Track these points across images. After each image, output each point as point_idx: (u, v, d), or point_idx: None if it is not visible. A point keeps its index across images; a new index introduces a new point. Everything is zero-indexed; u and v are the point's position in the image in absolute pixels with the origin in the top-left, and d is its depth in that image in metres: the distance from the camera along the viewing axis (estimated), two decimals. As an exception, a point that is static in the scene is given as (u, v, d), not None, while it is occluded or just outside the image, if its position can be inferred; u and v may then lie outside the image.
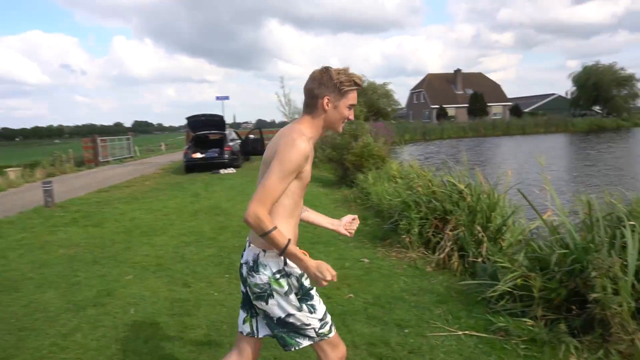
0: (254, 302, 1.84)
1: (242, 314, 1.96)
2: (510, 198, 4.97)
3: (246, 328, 1.94)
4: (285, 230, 1.73)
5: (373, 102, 40.10)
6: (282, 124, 19.58)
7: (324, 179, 11.28)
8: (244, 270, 1.85)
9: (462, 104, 53.47)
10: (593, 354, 2.92)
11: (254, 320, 1.93)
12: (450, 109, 53.01)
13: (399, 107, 51.11)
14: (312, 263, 1.72)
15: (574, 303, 3.27)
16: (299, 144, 1.69)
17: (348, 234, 2.16)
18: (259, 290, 1.79)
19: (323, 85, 1.78)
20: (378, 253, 5.02)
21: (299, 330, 1.83)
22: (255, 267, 1.80)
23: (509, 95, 59.40)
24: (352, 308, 3.61)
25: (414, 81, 70.13)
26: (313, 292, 1.89)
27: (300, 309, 1.82)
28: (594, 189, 10.72)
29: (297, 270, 1.82)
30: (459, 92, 56.42)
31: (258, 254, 1.80)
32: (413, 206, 4.99)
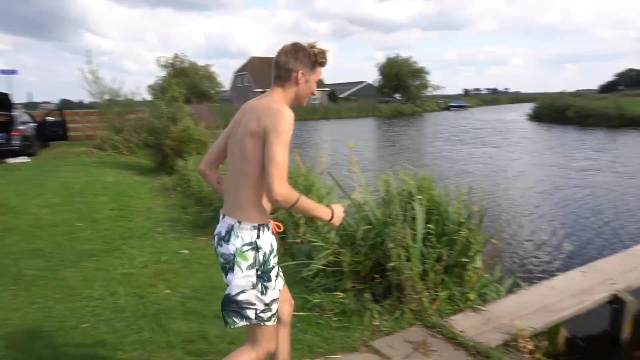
0: (222, 272, 1.86)
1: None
2: (325, 180, 5.29)
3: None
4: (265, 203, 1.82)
5: (195, 83, 38.56)
6: (92, 106, 17.09)
7: (140, 166, 10.38)
8: (215, 240, 1.89)
9: (285, 88, 55.31)
10: (392, 315, 3.31)
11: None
12: (274, 93, 54.32)
13: (223, 89, 50.23)
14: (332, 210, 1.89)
15: (377, 273, 3.64)
16: (285, 112, 1.73)
17: None
18: (223, 261, 1.83)
19: (298, 59, 1.81)
20: (199, 243, 4.83)
21: (241, 307, 1.80)
22: (226, 237, 1.81)
23: (327, 81, 63.91)
24: (168, 305, 3.38)
25: (238, 63, 69.18)
26: (273, 274, 1.85)
27: (254, 287, 1.80)
28: (393, 167, 12.32)
29: (267, 248, 1.82)
30: (282, 77, 58.16)
31: (233, 225, 1.81)
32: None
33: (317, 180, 5.13)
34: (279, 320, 1.93)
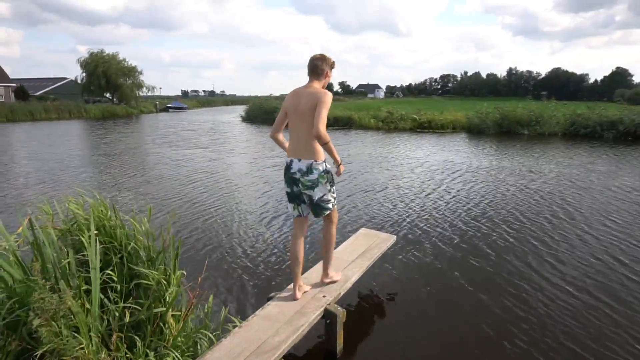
0: (304, 192, 3.30)
1: (291, 205, 3.46)
2: None
3: (296, 213, 3.45)
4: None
5: None
6: None
7: None
8: (298, 174, 3.27)
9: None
10: None
11: (299, 207, 3.43)
12: None
13: None
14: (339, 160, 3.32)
15: (24, 362, 2.38)
16: (329, 93, 3.17)
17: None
18: (310, 183, 3.25)
19: (327, 64, 3.31)
20: None
21: (327, 202, 3.35)
22: (309, 170, 3.23)
23: (13, 75, 52.29)
24: None
25: None
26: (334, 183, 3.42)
27: (330, 191, 3.35)
28: (87, 183, 10.33)
29: (332, 170, 3.34)
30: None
31: (311, 163, 3.23)
32: None
33: None
34: None
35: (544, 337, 3.70)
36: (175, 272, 2.99)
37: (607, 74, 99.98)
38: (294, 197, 3.39)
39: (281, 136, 3.52)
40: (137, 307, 2.71)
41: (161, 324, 2.81)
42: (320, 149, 3.20)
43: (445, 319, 4.02)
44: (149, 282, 2.81)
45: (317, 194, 3.26)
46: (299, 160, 3.24)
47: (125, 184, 9.98)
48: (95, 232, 3.10)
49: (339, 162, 3.30)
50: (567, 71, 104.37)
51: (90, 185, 9.87)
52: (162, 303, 2.87)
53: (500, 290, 4.55)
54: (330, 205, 3.36)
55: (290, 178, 3.32)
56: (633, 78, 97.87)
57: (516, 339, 3.67)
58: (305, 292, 3.54)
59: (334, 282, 3.70)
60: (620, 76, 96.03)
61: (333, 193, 3.38)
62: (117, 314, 2.59)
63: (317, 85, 3.27)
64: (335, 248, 4.13)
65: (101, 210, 3.37)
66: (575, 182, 9.94)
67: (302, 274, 3.70)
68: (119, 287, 2.79)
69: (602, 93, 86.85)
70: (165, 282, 2.88)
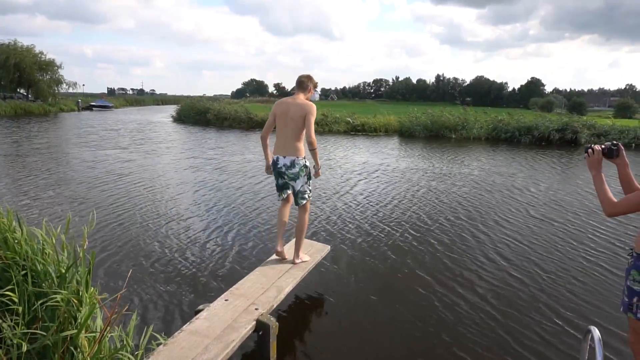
0: (289, 182, 4.10)
1: (279, 192, 4.23)
2: None
3: (283, 195, 4.21)
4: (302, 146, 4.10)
5: None
6: None
7: None
8: (283, 168, 4.05)
9: None
10: None
11: (285, 191, 4.18)
12: None
13: None
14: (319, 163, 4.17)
15: None
16: (314, 106, 3.99)
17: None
18: (292, 175, 4.04)
19: (311, 82, 4.13)
20: None
21: (304, 193, 4.15)
22: (292, 164, 4.01)
23: None
24: None
25: None
26: (310, 176, 4.21)
27: (308, 184, 4.15)
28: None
29: (310, 167, 4.17)
30: None
31: (294, 159, 4.00)
32: None
33: None
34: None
35: (439, 334, 3.81)
36: (88, 289, 2.69)
37: (523, 83, 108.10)
38: (280, 188, 4.21)
39: (268, 140, 4.30)
40: (41, 332, 2.40)
41: (72, 349, 2.51)
42: (301, 148, 4.04)
43: (382, 327, 4.02)
44: (57, 303, 2.50)
45: (298, 184, 4.09)
46: (284, 157, 4.04)
47: (35, 190, 9.13)
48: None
49: (319, 166, 4.17)
50: (488, 79, 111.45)
51: (-3, 190, 8.91)
52: (73, 325, 2.57)
53: (425, 290, 4.64)
54: (306, 196, 4.18)
55: (277, 172, 4.12)
56: (545, 87, 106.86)
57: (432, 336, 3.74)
58: (280, 252, 4.25)
59: (304, 262, 4.28)
60: (534, 85, 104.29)
61: (309, 186, 4.20)
62: (15, 341, 2.27)
63: (303, 97, 4.08)
64: (268, 257, 4.38)
65: (3, 222, 2.99)
66: (480, 184, 10.54)
67: (235, 284, 3.53)
68: (20, 309, 2.45)
69: (519, 100, 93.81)
70: (76, 302, 2.58)
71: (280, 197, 4.25)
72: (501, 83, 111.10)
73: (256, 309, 3.29)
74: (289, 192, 4.19)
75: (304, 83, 4.10)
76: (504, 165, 13.81)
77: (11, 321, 2.43)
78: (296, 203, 4.21)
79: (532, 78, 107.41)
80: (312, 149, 3.97)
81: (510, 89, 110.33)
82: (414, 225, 7.00)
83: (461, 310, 4.26)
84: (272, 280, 3.82)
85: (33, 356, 2.43)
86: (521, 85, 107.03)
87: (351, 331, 3.87)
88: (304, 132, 3.96)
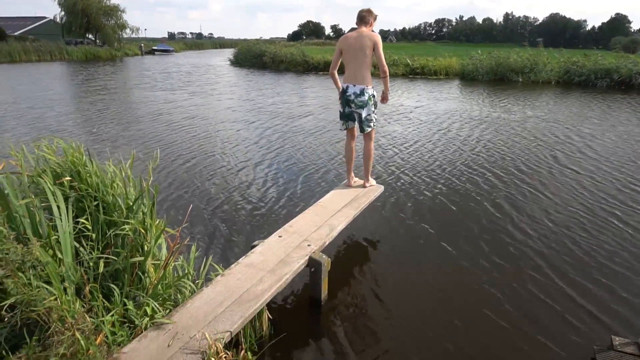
0: (356, 110, 4.32)
1: (341, 122, 4.52)
2: None
3: (344, 127, 4.51)
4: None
5: None
6: None
7: None
8: (352, 96, 4.27)
9: None
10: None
11: (347, 123, 4.46)
12: None
13: None
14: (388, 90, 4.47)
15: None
16: (379, 35, 4.20)
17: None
18: (361, 103, 4.25)
19: (371, 16, 4.30)
20: None
21: (370, 121, 4.35)
22: (362, 93, 4.23)
23: (-12, 14, 49.46)
24: None
25: None
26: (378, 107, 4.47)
27: (374, 112, 4.36)
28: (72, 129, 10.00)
29: (378, 96, 4.39)
30: None
31: (364, 88, 4.23)
32: None
33: None
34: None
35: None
36: (154, 220, 2.88)
37: (605, 20, 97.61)
38: (345, 116, 4.44)
39: (337, 74, 4.51)
40: (113, 257, 2.62)
41: (140, 274, 2.74)
42: (369, 78, 4.26)
43: (431, 269, 4.02)
44: (126, 231, 2.71)
45: (364, 112, 4.30)
46: (354, 85, 4.27)
47: (106, 129, 9.69)
48: (69, 178, 2.95)
49: (388, 91, 4.46)
50: (564, 17, 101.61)
51: (69, 130, 9.58)
52: (140, 252, 2.78)
53: (474, 237, 4.55)
54: (372, 124, 4.39)
55: (345, 99, 4.34)
56: (631, 25, 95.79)
57: (496, 289, 3.70)
58: (355, 182, 4.76)
59: (372, 186, 4.71)
60: (619, 23, 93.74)
61: (376, 114, 4.41)
62: (91, 264, 2.50)
63: (366, 30, 4.26)
64: (322, 197, 4.44)
65: (75, 156, 3.21)
66: (531, 132, 9.85)
67: (288, 222, 3.65)
68: (94, 236, 2.68)
69: (600, 40, 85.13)
70: (143, 231, 2.77)
71: (344, 127, 4.51)
72: (579, 21, 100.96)
73: (309, 246, 3.39)
74: (354, 124, 4.45)
75: (365, 17, 4.30)
76: (576, 110, 12.80)
77: (87, 246, 2.66)
78: (361, 130, 4.42)
79: (617, 14, 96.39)
80: (384, 77, 4.23)
81: (589, 27, 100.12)
82: (471, 173, 6.78)
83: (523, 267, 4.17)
84: (325, 218, 3.89)
85: (107, 277, 2.67)
86: (602, 23, 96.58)
87: (399, 276, 3.91)
88: (370, 62, 4.24)
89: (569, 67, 21.00)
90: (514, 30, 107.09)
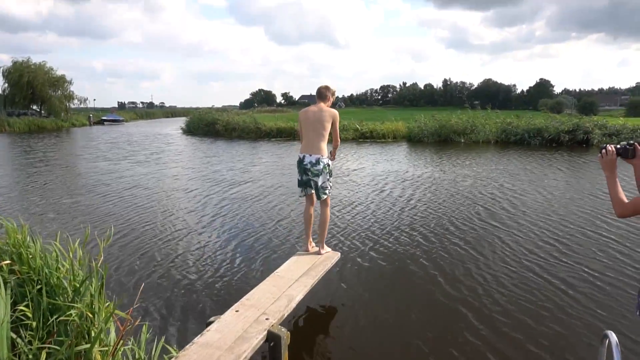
0: (312, 178, 4.54)
1: (300, 189, 4.73)
2: None
3: (303, 193, 4.72)
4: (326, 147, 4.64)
5: None
6: None
7: None
8: (309, 165, 4.52)
9: None
10: None
11: (307, 189, 4.65)
12: None
13: None
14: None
15: None
16: (336, 111, 4.59)
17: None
18: (317, 171, 4.51)
19: (329, 91, 4.67)
20: None
21: (326, 189, 4.59)
22: (317, 162, 4.50)
23: None
24: None
25: None
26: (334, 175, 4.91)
27: (329, 180, 4.61)
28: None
29: (331, 166, 4.62)
30: None
31: (319, 157, 4.50)
32: None
33: None
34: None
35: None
36: (102, 302, 2.73)
37: (532, 84, 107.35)
38: (303, 183, 4.66)
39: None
40: (55, 347, 2.43)
41: (86, 363, 2.54)
42: (324, 148, 4.56)
43: (391, 332, 4.00)
44: (71, 317, 2.54)
45: (320, 180, 4.55)
46: (310, 155, 4.55)
47: (51, 205, 9.26)
48: (9, 262, 2.79)
49: (335, 153, 4.81)
50: (497, 82, 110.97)
51: (9, 208, 9.07)
52: (87, 339, 2.61)
53: (430, 300, 4.61)
54: (327, 191, 4.65)
55: (302, 168, 4.59)
56: (554, 88, 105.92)
57: (462, 339, 3.71)
58: (312, 246, 4.88)
59: (328, 252, 4.82)
60: (543, 87, 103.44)
61: (330, 182, 4.68)
62: (30, 356, 2.30)
63: (324, 105, 4.63)
64: (279, 267, 4.37)
65: (17, 237, 3.05)
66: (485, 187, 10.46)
67: (245, 295, 3.55)
68: (34, 324, 2.49)
69: (528, 102, 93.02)
70: (90, 315, 2.61)
71: (302, 194, 4.75)
72: (509, 85, 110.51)
73: (267, 319, 3.30)
74: (312, 191, 4.65)
75: (323, 93, 4.67)
76: (514, 168, 13.69)
77: (26, 336, 2.47)
78: (318, 197, 4.67)
79: (541, 79, 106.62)
80: (336, 147, 4.80)
81: (518, 91, 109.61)
82: (423, 231, 6.97)
83: (471, 314, 4.23)
84: (283, 289, 3.83)
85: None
86: (530, 87, 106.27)
87: (362, 340, 3.85)
88: (326, 135, 4.57)
89: (505, 127, 22.69)
90: (453, 95, 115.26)
